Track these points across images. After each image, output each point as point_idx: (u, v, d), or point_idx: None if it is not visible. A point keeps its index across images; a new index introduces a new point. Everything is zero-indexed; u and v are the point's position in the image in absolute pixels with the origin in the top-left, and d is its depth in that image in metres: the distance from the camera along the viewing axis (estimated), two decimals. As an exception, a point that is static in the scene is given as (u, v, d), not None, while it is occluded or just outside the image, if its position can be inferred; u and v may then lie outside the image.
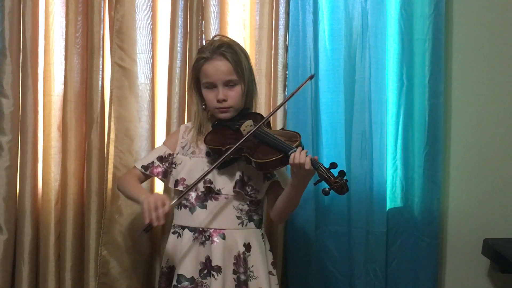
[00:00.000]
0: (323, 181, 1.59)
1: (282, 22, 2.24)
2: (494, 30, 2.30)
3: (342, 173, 1.58)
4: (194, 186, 1.73)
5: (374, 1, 2.22)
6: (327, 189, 1.56)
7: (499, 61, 2.31)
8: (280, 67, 2.24)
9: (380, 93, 2.24)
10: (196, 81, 1.86)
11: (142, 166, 1.89)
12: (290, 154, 1.63)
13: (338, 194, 1.57)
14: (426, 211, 2.25)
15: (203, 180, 1.77)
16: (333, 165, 1.60)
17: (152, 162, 1.89)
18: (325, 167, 1.58)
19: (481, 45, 2.31)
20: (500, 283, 2.33)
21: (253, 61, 2.19)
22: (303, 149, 1.70)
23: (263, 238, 1.87)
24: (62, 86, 2.21)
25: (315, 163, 1.59)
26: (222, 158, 1.70)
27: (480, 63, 2.31)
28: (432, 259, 2.25)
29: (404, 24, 2.25)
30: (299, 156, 1.60)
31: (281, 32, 2.24)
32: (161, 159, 1.90)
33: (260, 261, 1.80)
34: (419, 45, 2.24)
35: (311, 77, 1.84)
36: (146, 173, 1.89)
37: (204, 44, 2.16)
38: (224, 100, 1.80)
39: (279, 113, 2.24)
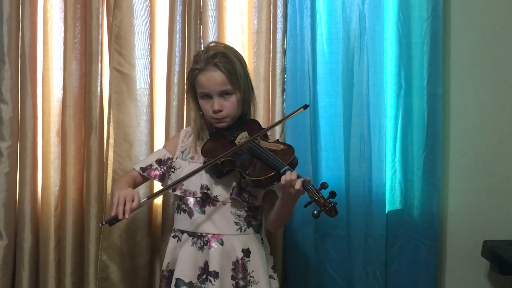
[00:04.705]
0: (313, 203, 1.58)
1: (280, 26, 2.25)
2: (492, 33, 2.31)
3: (332, 194, 1.57)
4: (172, 186, 1.76)
5: (372, 4, 2.22)
6: (316, 212, 1.55)
7: (497, 64, 2.31)
8: (278, 71, 2.24)
9: (378, 96, 2.24)
10: (193, 89, 1.85)
11: (141, 168, 1.89)
12: (282, 172, 1.62)
13: (327, 216, 1.55)
14: (425, 214, 2.25)
15: (200, 186, 1.78)
16: (324, 186, 1.60)
17: (151, 165, 1.89)
18: (315, 189, 1.57)
19: (479, 48, 2.31)
20: (500, 285, 2.33)
21: (251, 65, 2.19)
22: (297, 162, 1.70)
23: (263, 242, 1.87)
24: (61, 92, 2.21)
25: (305, 185, 1.58)
26: (210, 163, 1.71)
27: (478, 66, 2.31)
28: (431, 262, 2.25)
29: (402, 27, 2.25)
30: (290, 178, 1.59)
31: (279, 36, 2.24)
32: (160, 162, 1.90)
33: (260, 266, 1.80)
34: (417, 48, 2.24)
35: (304, 107, 1.80)
36: (144, 175, 1.90)
37: (202, 49, 2.16)
38: (220, 111, 1.79)
39: (278, 115, 2.24)
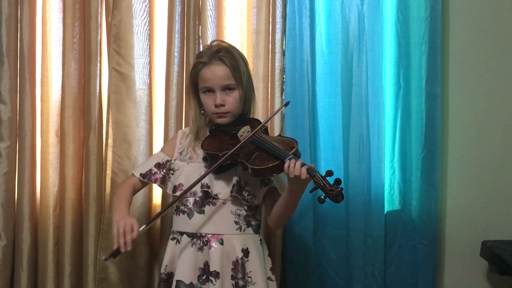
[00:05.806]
0: (318, 189, 1.58)
1: (279, 26, 2.25)
2: (490, 33, 2.31)
3: (337, 181, 1.57)
4: (181, 196, 1.75)
5: (371, 5, 2.23)
6: (322, 197, 1.55)
7: (495, 64, 2.31)
8: (277, 71, 2.24)
9: (377, 96, 2.24)
10: (194, 86, 1.86)
11: (141, 175, 1.89)
12: (286, 161, 1.62)
13: (333, 202, 1.56)
14: (424, 214, 2.25)
15: (200, 185, 1.77)
16: (329, 173, 1.59)
17: (150, 170, 1.89)
18: (321, 175, 1.58)
19: (478, 48, 2.31)
20: (498, 285, 2.33)
21: (250, 66, 2.18)
22: (300, 155, 1.70)
23: (261, 243, 1.86)
24: (60, 92, 2.21)
25: (311, 171, 1.58)
26: (216, 164, 1.70)
27: (476, 66, 2.31)
28: (430, 262, 2.25)
29: (400, 27, 2.25)
30: (293, 167, 1.59)
31: (278, 36, 2.24)
32: (158, 165, 1.90)
33: (258, 267, 1.80)
34: (416, 48, 2.24)
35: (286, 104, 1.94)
36: (144, 181, 1.90)
37: (201, 48, 2.17)
38: (222, 105, 1.79)
39: (277, 117, 2.24)
